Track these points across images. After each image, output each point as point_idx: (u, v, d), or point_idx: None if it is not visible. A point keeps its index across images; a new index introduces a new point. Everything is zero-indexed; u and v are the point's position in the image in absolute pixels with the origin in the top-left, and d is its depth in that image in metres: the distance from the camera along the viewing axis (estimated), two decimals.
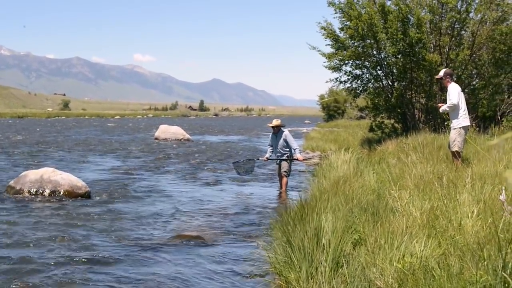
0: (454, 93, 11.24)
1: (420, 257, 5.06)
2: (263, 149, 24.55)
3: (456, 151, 11.04)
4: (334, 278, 5.20)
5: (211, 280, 6.69)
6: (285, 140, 13.48)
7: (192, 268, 7.16)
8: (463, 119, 11.25)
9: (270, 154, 13.94)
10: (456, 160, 10.83)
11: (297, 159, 13.59)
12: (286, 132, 13.64)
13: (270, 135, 14.01)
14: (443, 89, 19.69)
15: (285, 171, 13.53)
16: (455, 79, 12.29)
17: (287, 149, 13.53)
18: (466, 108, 11.46)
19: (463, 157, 11.25)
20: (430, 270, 4.68)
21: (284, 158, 13.50)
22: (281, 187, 13.76)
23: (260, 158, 14.97)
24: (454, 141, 11.13)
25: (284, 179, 13.60)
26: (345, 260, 5.53)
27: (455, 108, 11.25)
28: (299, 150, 13.81)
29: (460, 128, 11.17)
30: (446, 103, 11.61)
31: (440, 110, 11.87)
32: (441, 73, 11.87)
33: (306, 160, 15.47)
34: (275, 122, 13.74)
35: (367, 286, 4.89)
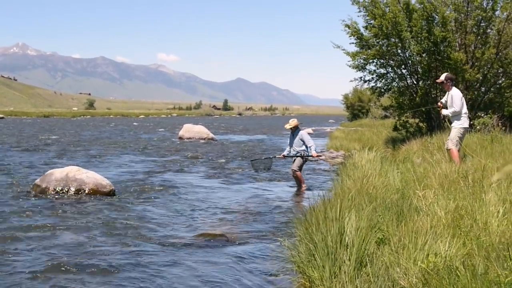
0: (457, 101, 11.62)
1: (444, 257, 5.02)
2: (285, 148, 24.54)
3: (452, 149, 11.37)
4: (358, 277, 5.18)
5: (234, 279, 6.70)
6: (301, 139, 14.15)
7: (215, 267, 7.18)
8: (464, 120, 11.68)
9: (288, 152, 14.53)
10: (455, 158, 11.13)
11: (312, 156, 14.20)
12: (302, 131, 14.36)
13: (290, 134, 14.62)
14: (468, 88, 19.51)
15: (297, 165, 14.10)
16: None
17: (302, 148, 14.15)
18: (467, 111, 11.87)
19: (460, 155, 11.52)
20: (455, 270, 4.64)
21: (298, 155, 14.10)
22: (298, 185, 14.26)
23: (277, 156, 15.30)
24: (453, 139, 11.50)
25: (298, 173, 14.15)
26: (368, 259, 5.51)
27: (457, 113, 11.59)
28: (314, 148, 14.23)
29: (461, 128, 11.59)
30: (445, 103, 11.91)
31: (443, 112, 12.00)
32: (442, 77, 12.00)
33: (320, 155, 15.79)
34: (292, 122, 14.36)
35: (391, 285, 4.86)
